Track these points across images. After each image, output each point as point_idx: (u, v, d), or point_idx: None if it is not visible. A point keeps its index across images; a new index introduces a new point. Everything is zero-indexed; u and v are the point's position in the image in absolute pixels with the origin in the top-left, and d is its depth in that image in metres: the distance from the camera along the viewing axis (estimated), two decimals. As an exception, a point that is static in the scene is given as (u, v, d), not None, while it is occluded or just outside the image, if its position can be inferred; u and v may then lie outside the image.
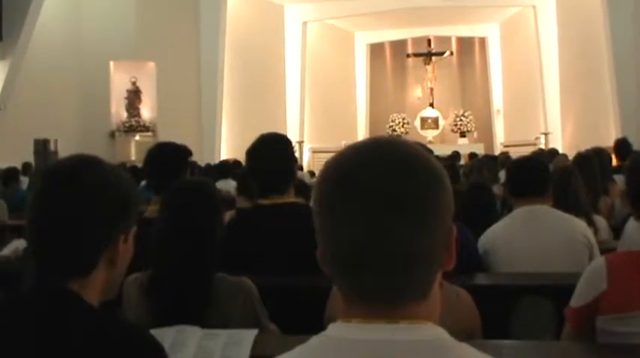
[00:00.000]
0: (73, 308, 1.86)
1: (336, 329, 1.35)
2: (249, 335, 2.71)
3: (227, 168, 11.67)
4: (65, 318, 1.84)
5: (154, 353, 1.89)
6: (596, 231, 4.75)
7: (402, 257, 1.30)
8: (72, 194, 1.92)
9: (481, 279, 3.94)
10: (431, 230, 1.32)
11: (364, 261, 1.30)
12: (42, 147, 18.33)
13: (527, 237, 4.18)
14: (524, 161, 4.59)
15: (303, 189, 6.27)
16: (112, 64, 20.78)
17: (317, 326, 3.06)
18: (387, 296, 1.32)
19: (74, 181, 1.94)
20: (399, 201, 1.29)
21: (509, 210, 4.72)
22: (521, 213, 4.30)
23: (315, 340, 1.37)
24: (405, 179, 1.31)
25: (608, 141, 16.37)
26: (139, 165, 11.31)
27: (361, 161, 1.35)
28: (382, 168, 1.32)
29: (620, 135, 17.98)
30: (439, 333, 1.33)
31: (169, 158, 4.50)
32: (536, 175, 4.34)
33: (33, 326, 1.82)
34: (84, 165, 2.00)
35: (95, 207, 1.93)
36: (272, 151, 4.09)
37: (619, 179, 7.54)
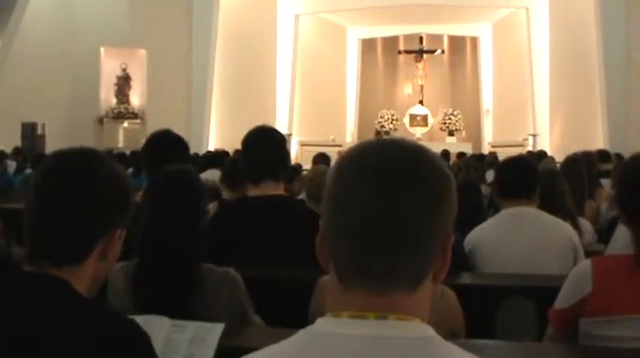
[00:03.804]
0: (60, 295, 1.86)
1: (324, 324, 1.36)
2: (215, 331, 2.68)
3: (215, 158, 11.63)
4: (52, 304, 1.84)
5: (140, 341, 1.90)
6: (580, 234, 4.76)
7: (405, 237, 1.32)
8: (78, 184, 1.95)
9: (465, 279, 3.95)
10: (436, 220, 1.35)
11: (369, 232, 1.32)
12: (30, 130, 18.34)
13: (514, 238, 4.20)
14: (513, 162, 4.60)
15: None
16: (102, 49, 20.73)
17: (302, 319, 3.08)
18: (382, 279, 1.33)
19: (81, 172, 1.98)
20: (416, 184, 1.34)
21: (497, 210, 4.74)
22: (509, 214, 4.32)
23: (303, 333, 1.37)
24: (422, 168, 1.36)
25: (596, 144, 16.50)
26: (127, 151, 11.31)
27: (384, 145, 1.42)
28: (404, 154, 1.38)
29: (607, 139, 18.13)
30: (427, 331, 1.34)
31: (173, 147, 4.49)
32: (525, 177, 4.36)
33: (18, 310, 1.82)
34: (90, 157, 2.03)
35: (98, 199, 1.96)
36: (270, 139, 4.15)
37: (605, 183, 7.59)
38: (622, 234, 3.99)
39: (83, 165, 2.00)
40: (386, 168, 1.34)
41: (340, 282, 1.37)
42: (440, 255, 1.38)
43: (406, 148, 1.40)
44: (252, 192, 4.12)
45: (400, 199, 1.32)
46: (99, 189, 1.97)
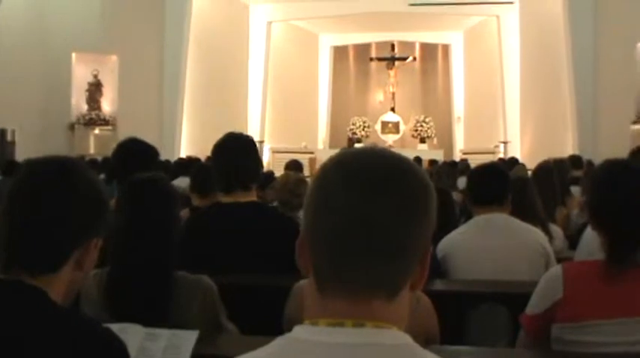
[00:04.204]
0: (35, 303, 1.85)
1: (302, 331, 1.36)
2: (190, 338, 2.68)
3: (186, 165, 11.58)
4: (27, 312, 1.83)
5: (117, 349, 1.89)
6: (551, 240, 4.80)
7: (385, 244, 1.32)
8: (54, 193, 1.95)
9: (438, 285, 3.96)
10: (416, 229, 1.36)
11: (349, 238, 1.32)
12: (-1, 137, 18.14)
13: (486, 245, 4.22)
14: (485, 169, 4.62)
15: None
16: (74, 55, 20.55)
17: (276, 326, 3.08)
18: (360, 286, 1.33)
19: (57, 181, 1.97)
20: (398, 192, 1.35)
21: (469, 216, 4.76)
22: (481, 221, 4.34)
23: (280, 341, 1.37)
24: (405, 176, 1.37)
25: (566, 151, 16.64)
26: (99, 158, 11.24)
27: (366, 153, 1.43)
28: (386, 163, 1.39)
29: (576, 146, 18.29)
30: (405, 339, 1.35)
31: (142, 154, 4.48)
32: (497, 184, 4.38)
33: None
34: (67, 166, 2.02)
35: (75, 208, 1.95)
36: (241, 148, 4.13)
37: (575, 191, 7.65)
38: (590, 239, 4.03)
39: (59, 173, 1.98)
40: (368, 176, 1.35)
41: (318, 289, 1.37)
42: (418, 264, 1.39)
43: (388, 157, 1.40)
44: (224, 199, 4.11)
45: (381, 207, 1.32)
46: (76, 199, 1.96)
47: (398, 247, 1.34)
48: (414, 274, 1.39)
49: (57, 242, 1.93)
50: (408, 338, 1.35)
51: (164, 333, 2.69)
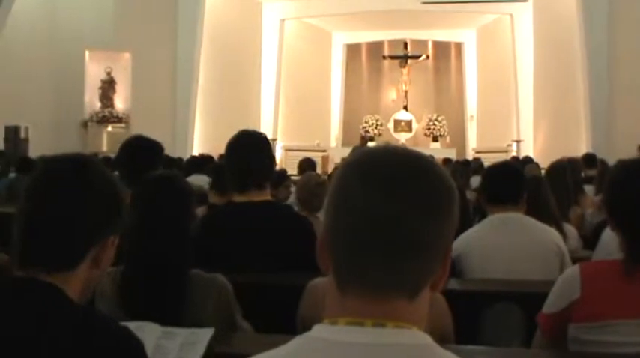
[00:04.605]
0: (52, 300, 1.85)
1: (321, 330, 1.35)
2: (205, 335, 2.68)
3: (200, 163, 11.59)
4: (43, 310, 1.83)
5: (134, 347, 1.89)
6: (565, 240, 4.78)
7: (406, 244, 1.31)
8: (71, 191, 1.94)
9: (452, 284, 3.95)
10: (439, 229, 1.35)
11: (370, 237, 1.31)
12: (13, 133, 18.22)
13: (501, 244, 4.19)
14: (501, 168, 4.60)
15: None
16: (87, 53, 20.60)
17: (289, 325, 3.08)
18: (381, 286, 1.32)
19: (74, 178, 1.97)
20: (420, 191, 1.34)
21: (483, 216, 4.74)
22: (496, 220, 4.32)
23: (299, 340, 1.37)
24: (427, 175, 1.36)
25: (579, 150, 16.57)
26: (112, 156, 11.26)
27: (389, 151, 1.41)
28: (409, 162, 1.37)
29: (590, 145, 18.22)
30: (425, 339, 1.34)
31: (146, 150, 4.48)
32: (513, 183, 4.36)
33: (8, 314, 1.82)
34: (84, 163, 2.02)
35: (92, 205, 1.95)
36: (254, 146, 4.09)
37: (589, 190, 7.62)
38: (609, 239, 4.01)
39: (75, 171, 1.98)
40: (389, 175, 1.34)
41: (338, 288, 1.36)
42: (440, 265, 1.38)
43: (411, 156, 1.39)
44: (238, 198, 4.09)
45: (402, 206, 1.31)
46: (91, 196, 1.96)
47: (419, 247, 1.33)
48: (435, 274, 1.38)
49: (73, 239, 1.93)
50: (428, 339, 1.34)
51: (180, 331, 2.69)
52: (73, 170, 1.98)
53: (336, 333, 1.32)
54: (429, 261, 1.35)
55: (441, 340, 2.92)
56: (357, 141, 26.26)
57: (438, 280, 1.40)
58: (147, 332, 2.61)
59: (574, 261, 4.01)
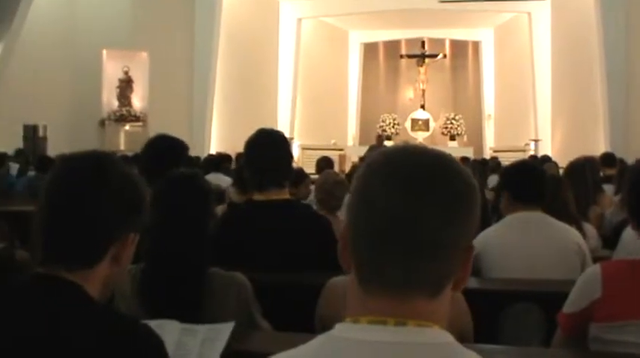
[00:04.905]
0: (73, 297, 1.86)
1: (343, 329, 1.35)
2: (225, 330, 2.68)
3: (217, 162, 11.61)
4: (64, 306, 1.84)
5: (154, 345, 1.89)
6: (585, 239, 4.75)
7: (428, 243, 1.32)
8: (91, 188, 1.95)
9: (472, 283, 3.93)
10: (461, 228, 1.35)
11: (391, 236, 1.32)
12: (31, 132, 18.33)
13: (521, 243, 4.17)
14: (523, 166, 4.57)
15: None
16: (104, 52, 20.69)
17: (308, 324, 3.07)
18: (402, 284, 1.33)
19: (94, 175, 1.97)
20: (442, 190, 1.34)
21: (499, 215, 4.72)
22: (517, 219, 4.29)
23: (321, 338, 1.37)
24: (450, 174, 1.37)
25: (598, 149, 16.49)
26: (129, 154, 11.29)
27: (410, 151, 1.41)
28: (431, 161, 1.38)
29: (608, 144, 18.13)
30: (447, 337, 1.34)
31: (170, 149, 4.48)
32: (535, 182, 4.34)
33: (29, 311, 1.82)
34: (103, 161, 2.02)
35: (112, 203, 1.95)
36: (273, 144, 4.10)
37: (608, 189, 7.57)
38: (630, 238, 3.99)
39: (94, 168, 1.98)
40: (411, 174, 1.34)
41: (360, 287, 1.36)
42: (461, 264, 1.38)
43: (433, 156, 1.39)
44: (257, 197, 4.10)
45: (424, 205, 1.31)
46: (111, 193, 1.96)
47: (440, 246, 1.33)
48: (457, 274, 1.38)
49: (93, 237, 1.93)
50: (450, 337, 1.35)
51: (201, 328, 2.70)
52: (91, 167, 1.99)
53: (359, 332, 1.32)
54: (450, 261, 1.35)
55: (460, 339, 2.91)
56: (374, 141, 26.21)
57: (459, 280, 1.40)
58: (167, 329, 2.61)
59: (594, 260, 3.99)
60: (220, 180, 9.46)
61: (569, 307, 2.91)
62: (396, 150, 1.43)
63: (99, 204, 1.93)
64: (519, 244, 4.17)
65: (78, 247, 1.91)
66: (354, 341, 1.31)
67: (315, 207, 5.61)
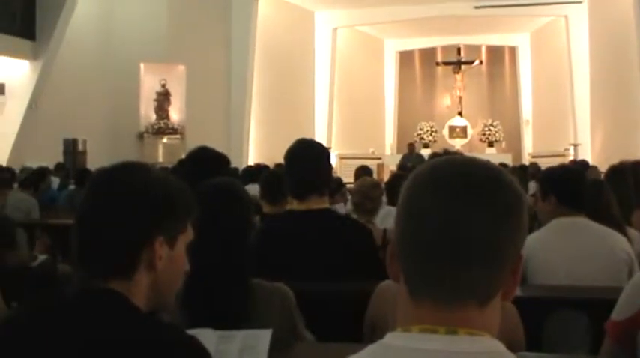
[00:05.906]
0: (119, 307, 1.85)
1: (395, 338, 1.35)
2: (264, 337, 2.66)
3: (254, 173, 11.64)
4: (112, 317, 1.83)
5: (203, 356, 1.87)
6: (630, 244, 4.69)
7: (478, 253, 1.32)
8: (104, 197, 1.96)
9: (517, 290, 3.89)
10: (510, 238, 1.35)
11: (441, 246, 1.32)
12: (71, 146, 18.55)
13: (566, 249, 4.13)
14: (570, 171, 4.54)
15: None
16: (142, 66, 20.90)
17: (349, 334, 3.04)
18: (452, 293, 1.33)
19: (107, 185, 1.98)
20: (492, 201, 1.34)
21: (539, 223, 4.66)
22: (562, 224, 4.25)
23: (373, 347, 1.37)
24: (498, 185, 1.37)
25: (638, 153, 16.28)
26: (168, 166, 11.38)
27: (457, 161, 1.43)
28: (478, 171, 1.38)
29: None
30: (497, 346, 1.34)
31: (212, 161, 4.50)
32: (579, 187, 4.30)
33: (80, 325, 1.82)
34: (119, 170, 2.03)
35: (133, 205, 1.93)
36: (314, 155, 4.11)
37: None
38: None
39: (114, 176, 2.00)
40: (461, 185, 1.34)
41: (410, 296, 1.36)
42: (511, 273, 1.37)
43: (481, 166, 1.40)
44: (297, 207, 4.09)
45: (472, 215, 1.31)
46: (131, 196, 1.94)
47: (491, 256, 1.33)
48: (506, 283, 1.37)
49: (116, 244, 1.91)
50: (501, 346, 1.34)
51: (237, 334, 2.68)
52: (111, 176, 2.00)
53: (410, 340, 1.32)
54: (499, 270, 1.35)
55: (510, 348, 2.86)
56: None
57: (509, 289, 1.40)
58: (203, 338, 2.60)
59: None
60: (257, 191, 9.46)
61: (617, 314, 2.85)
62: (443, 161, 1.42)
63: (116, 207, 1.92)
64: (565, 249, 4.13)
65: (105, 257, 1.91)
66: (406, 349, 1.32)
67: (352, 214, 5.60)
